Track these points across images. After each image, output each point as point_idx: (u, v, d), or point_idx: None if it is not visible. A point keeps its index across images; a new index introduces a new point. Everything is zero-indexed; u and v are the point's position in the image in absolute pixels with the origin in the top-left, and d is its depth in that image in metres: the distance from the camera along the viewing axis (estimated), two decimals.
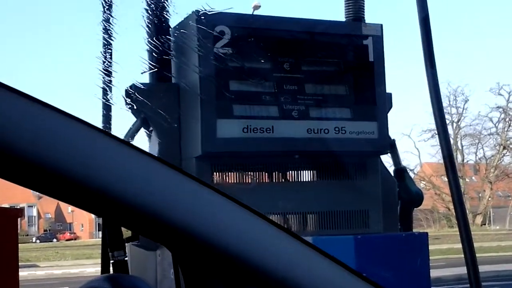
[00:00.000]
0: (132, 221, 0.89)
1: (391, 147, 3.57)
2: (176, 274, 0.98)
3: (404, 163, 3.76)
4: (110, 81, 3.05)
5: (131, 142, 3.09)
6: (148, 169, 0.88)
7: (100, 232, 3.15)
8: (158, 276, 2.96)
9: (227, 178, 3.25)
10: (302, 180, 3.42)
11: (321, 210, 3.30)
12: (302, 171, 3.42)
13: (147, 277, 2.99)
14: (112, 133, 2.65)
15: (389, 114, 3.46)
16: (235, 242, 0.92)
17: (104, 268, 3.02)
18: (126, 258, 2.91)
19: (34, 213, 77.81)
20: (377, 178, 3.44)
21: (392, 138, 3.55)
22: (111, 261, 2.88)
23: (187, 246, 0.90)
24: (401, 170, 3.67)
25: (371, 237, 3.18)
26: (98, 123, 3.17)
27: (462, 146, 46.37)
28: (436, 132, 3.19)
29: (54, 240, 67.43)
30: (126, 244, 2.94)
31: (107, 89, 3.07)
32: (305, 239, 1.00)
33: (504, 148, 45.84)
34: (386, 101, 3.46)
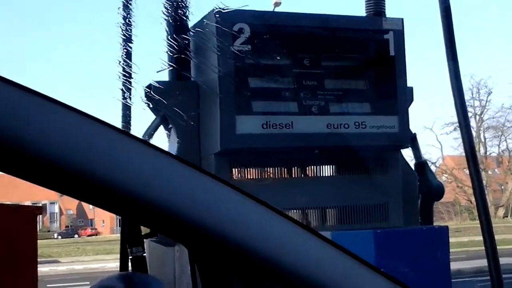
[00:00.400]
0: (150, 219, 0.89)
1: (412, 141, 3.56)
2: (193, 271, 0.98)
3: (425, 156, 3.76)
4: (130, 82, 3.07)
5: (149, 141, 3.11)
6: (166, 168, 0.89)
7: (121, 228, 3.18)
8: (176, 272, 2.98)
9: (246, 174, 3.26)
10: (321, 175, 3.41)
11: (340, 205, 3.30)
12: (321, 166, 3.41)
13: (165, 273, 3.01)
14: (132, 133, 2.68)
15: (410, 107, 3.45)
16: (252, 239, 0.92)
17: (123, 264, 3.04)
18: (144, 254, 2.93)
19: (56, 209, 78.48)
20: (397, 172, 3.43)
21: (413, 132, 3.54)
22: (130, 257, 2.90)
23: (203, 243, 0.91)
24: (422, 164, 3.65)
25: (391, 231, 3.17)
26: (118, 123, 3.19)
27: (485, 139, 46.01)
28: (458, 125, 3.18)
29: (76, 236, 67.96)
30: (144, 240, 2.96)
31: (126, 89, 3.10)
32: (323, 235, 1.00)
33: None
34: (407, 95, 3.45)
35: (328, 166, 3.42)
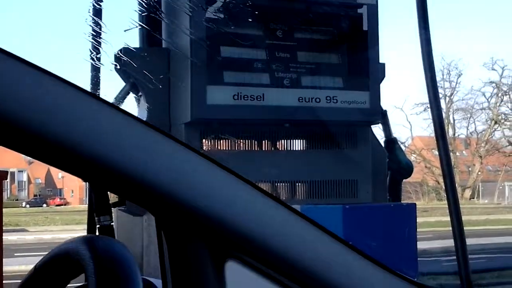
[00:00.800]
0: (117, 185, 0.87)
1: (382, 117, 3.55)
2: (159, 239, 0.96)
3: (395, 136, 3.76)
4: (99, 42, 3.00)
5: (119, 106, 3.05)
6: (134, 133, 0.87)
7: None
8: (145, 241, 2.95)
9: (216, 145, 3.23)
10: (292, 149, 3.40)
11: (310, 179, 3.29)
12: (292, 140, 3.40)
13: (134, 242, 2.98)
14: (100, 96, 2.62)
15: (382, 86, 3.44)
16: (219, 207, 0.91)
17: (90, 233, 3.00)
18: (112, 223, 2.89)
19: (24, 178, 77.77)
20: (367, 149, 3.43)
21: (384, 109, 3.54)
22: (97, 226, 2.87)
23: (171, 210, 0.89)
24: (391, 141, 3.66)
25: (359, 206, 3.18)
26: (87, 85, 3.12)
27: (454, 120, 46.52)
28: (429, 106, 3.18)
29: (44, 205, 67.49)
30: (112, 209, 2.93)
31: (96, 51, 3.02)
32: (292, 207, 0.99)
33: (496, 123, 46.02)
34: (379, 71, 3.44)
35: (299, 140, 3.40)
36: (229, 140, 3.24)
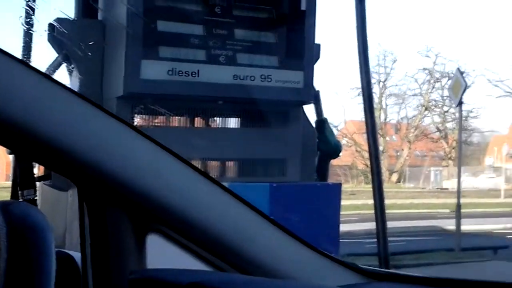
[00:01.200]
0: (40, 154, 0.85)
1: (315, 98, 3.59)
2: (81, 211, 0.95)
3: (329, 119, 3.81)
4: (33, 9, 2.93)
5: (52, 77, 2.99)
6: (63, 101, 0.85)
7: None
8: (68, 217, 2.91)
9: (148, 120, 3.22)
10: (225, 126, 3.41)
11: (241, 157, 3.31)
12: (225, 118, 3.41)
13: (58, 217, 2.94)
14: (33, 65, 2.56)
15: (317, 68, 3.48)
16: (141, 178, 0.90)
17: None
18: (36, 198, 2.84)
19: None
20: (298, 128, 3.47)
21: (316, 89, 3.58)
22: (20, 200, 2.81)
23: (91, 179, 0.88)
24: (322, 122, 3.70)
25: (285, 185, 3.22)
26: (18, 53, 3.05)
27: (386, 105, 47.29)
28: (361, 90, 3.24)
29: None
30: (37, 183, 2.87)
31: (29, 18, 2.95)
32: (219, 182, 0.99)
33: (426, 109, 46.98)
34: (314, 52, 3.47)
35: (232, 118, 3.42)
36: (162, 116, 3.22)
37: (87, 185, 0.92)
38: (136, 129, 0.93)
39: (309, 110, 3.66)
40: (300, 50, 3.34)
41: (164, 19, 3.05)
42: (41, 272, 0.80)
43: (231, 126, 3.37)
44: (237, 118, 3.39)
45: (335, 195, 3.19)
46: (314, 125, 3.66)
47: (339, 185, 3.18)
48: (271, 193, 2.93)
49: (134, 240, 0.93)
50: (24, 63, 0.86)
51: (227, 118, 3.38)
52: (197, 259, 0.97)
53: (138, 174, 0.90)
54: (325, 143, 3.65)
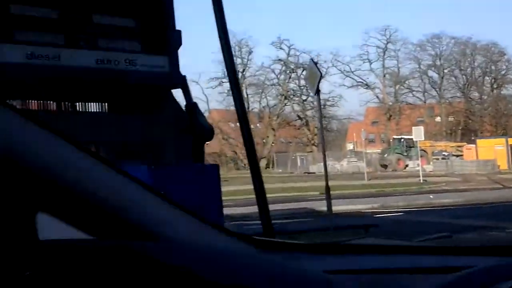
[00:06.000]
0: None
1: (182, 82, 3.54)
2: None
3: None
4: None
5: None
6: None
7: None
8: None
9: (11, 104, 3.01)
10: (92, 110, 3.29)
11: (113, 141, 3.21)
12: (92, 103, 3.29)
13: None
14: None
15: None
16: (20, 156, 0.83)
17: None
18: None
19: None
20: (169, 112, 3.41)
21: (183, 74, 3.53)
22: None
23: None
24: (192, 105, 3.65)
25: (165, 167, 3.15)
26: None
27: (247, 95, 48.05)
28: (229, 82, 3.22)
29: None
30: None
31: None
32: (102, 157, 0.93)
33: (286, 98, 48.32)
34: (177, 38, 3.44)
35: (100, 102, 3.30)
36: (23, 101, 3.05)
37: None
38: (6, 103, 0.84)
39: (178, 95, 3.60)
40: (163, 35, 3.32)
41: (19, 3, 2.88)
42: None
43: (100, 111, 3.26)
44: (105, 103, 3.28)
45: (214, 176, 3.17)
46: (184, 109, 3.61)
47: (216, 166, 3.18)
48: (149, 175, 2.83)
49: (22, 221, 0.85)
50: None
51: (95, 103, 3.26)
52: (81, 230, 0.90)
53: (17, 151, 0.83)
54: (197, 126, 3.60)
